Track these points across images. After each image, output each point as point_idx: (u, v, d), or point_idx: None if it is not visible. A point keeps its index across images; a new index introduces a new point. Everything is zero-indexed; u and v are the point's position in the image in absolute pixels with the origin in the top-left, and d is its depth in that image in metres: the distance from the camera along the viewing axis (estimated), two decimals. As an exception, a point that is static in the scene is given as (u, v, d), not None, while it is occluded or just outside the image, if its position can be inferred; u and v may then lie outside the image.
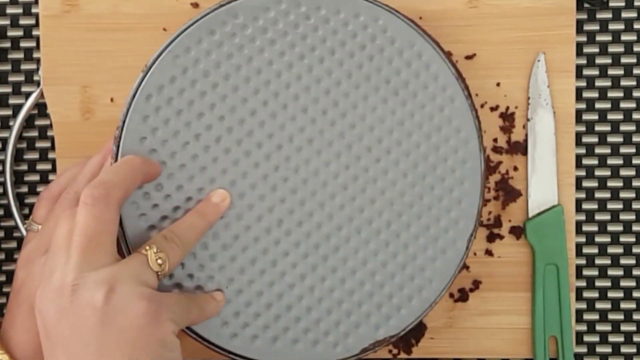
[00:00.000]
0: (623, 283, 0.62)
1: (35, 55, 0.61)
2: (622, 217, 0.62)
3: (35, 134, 0.62)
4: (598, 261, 0.62)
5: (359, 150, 0.56)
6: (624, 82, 0.61)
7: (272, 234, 0.55)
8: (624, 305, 0.62)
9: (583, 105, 0.62)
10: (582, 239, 0.62)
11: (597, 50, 0.61)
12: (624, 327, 0.62)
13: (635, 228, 0.62)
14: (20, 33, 0.62)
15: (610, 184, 0.62)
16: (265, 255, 0.55)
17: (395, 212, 0.56)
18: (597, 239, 0.62)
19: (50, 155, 0.62)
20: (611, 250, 0.62)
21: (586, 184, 0.62)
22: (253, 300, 0.55)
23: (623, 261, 0.62)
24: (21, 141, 0.62)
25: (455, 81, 0.56)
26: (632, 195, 0.62)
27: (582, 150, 0.62)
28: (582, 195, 0.62)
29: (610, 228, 0.62)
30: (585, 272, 0.62)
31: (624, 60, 0.61)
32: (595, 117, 0.62)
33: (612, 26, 0.61)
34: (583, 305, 0.62)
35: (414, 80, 0.56)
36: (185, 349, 0.61)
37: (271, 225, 0.55)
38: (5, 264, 0.62)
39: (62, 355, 0.46)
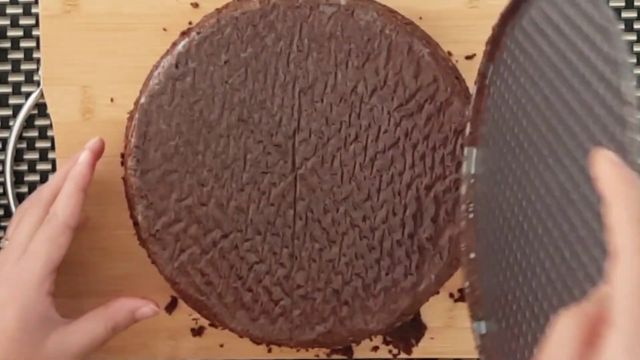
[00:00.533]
0: (623, 283, 0.62)
1: (35, 55, 0.61)
2: (622, 217, 0.61)
3: (35, 134, 0.62)
4: (598, 261, 0.62)
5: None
6: (624, 82, 0.61)
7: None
8: (624, 305, 0.62)
9: (583, 105, 0.61)
10: (582, 239, 0.62)
11: (597, 50, 0.61)
12: (624, 327, 0.62)
13: (635, 228, 0.62)
14: (20, 33, 0.62)
15: (610, 184, 0.61)
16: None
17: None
18: (597, 239, 0.62)
19: (50, 155, 0.62)
20: (611, 250, 0.62)
21: (586, 184, 0.62)
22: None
23: (623, 261, 0.62)
24: (21, 141, 0.62)
25: None
26: (632, 195, 0.61)
27: (582, 150, 0.61)
28: (582, 195, 0.62)
29: (610, 228, 0.62)
30: (585, 272, 0.62)
31: (624, 60, 0.61)
32: (595, 117, 0.61)
33: (612, 26, 0.61)
34: (583, 305, 0.62)
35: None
36: (185, 349, 0.61)
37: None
38: (6, 264, 0.62)
39: None
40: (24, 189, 0.62)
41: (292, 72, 0.56)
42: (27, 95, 0.61)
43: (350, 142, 0.56)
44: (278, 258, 0.56)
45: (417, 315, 0.61)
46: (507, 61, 0.51)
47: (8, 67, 0.62)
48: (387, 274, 0.56)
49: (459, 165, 0.56)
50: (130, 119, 0.58)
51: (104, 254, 0.61)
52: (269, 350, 0.61)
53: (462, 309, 0.61)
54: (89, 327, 0.54)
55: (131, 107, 0.59)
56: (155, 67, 0.57)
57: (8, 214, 0.61)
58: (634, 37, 0.61)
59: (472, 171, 0.54)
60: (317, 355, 0.61)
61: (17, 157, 0.62)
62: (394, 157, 0.56)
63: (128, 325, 0.56)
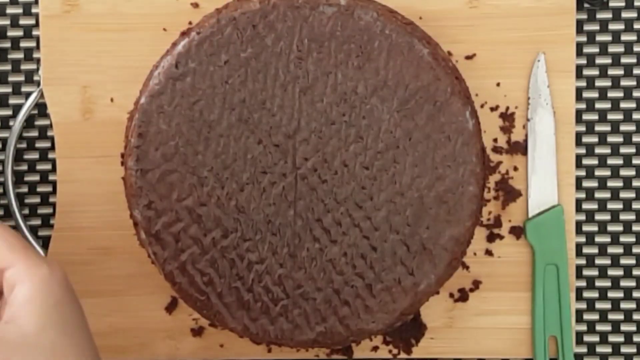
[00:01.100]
0: (623, 283, 0.62)
1: (35, 55, 0.61)
2: (622, 217, 0.62)
3: (35, 134, 0.62)
4: (598, 261, 0.62)
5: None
6: (624, 82, 0.61)
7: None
8: (624, 305, 0.62)
9: (583, 105, 0.62)
10: (582, 239, 0.62)
11: (597, 50, 0.61)
12: (624, 327, 0.62)
13: (635, 228, 0.62)
14: (20, 33, 0.62)
15: (610, 184, 0.62)
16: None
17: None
18: (597, 239, 0.62)
19: (50, 155, 0.62)
20: (611, 250, 0.62)
21: (586, 184, 0.62)
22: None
23: (623, 261, 0.62)
24: (21, 141, 0.62)
25: None
26: (632, 195, 0.62)
27: (582, 150, 0.62)
28: (582, 195, 0.62)
29: (610, 228, 0.62)
30: (585, 272, 0.62)
31: (624, 60, 0.61)
32: (595, 117, 0.62)
33: (612, 26, 0.61)
34: (583, 305, 0.62)
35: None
36: (185, 349, 0.61)
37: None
38: (5, 264, 0.62)
39: None
40: (24, 189, 0.62)
41: (292, 72, 0.56)
42: (27, 95, 0.61)
43: (351, 142, 0.56)
44: (278, 258, 0.56)
45: (417, 315, 0.61)
46: None
47: (8, 67, 0.62)
48: (387, 274, 0.56)
49: (459, 165, 0.56)
50: (130, 119, 0.58)
51: (104, 254, 0.61)
52: (269, 350, 0.61)
53: (462, 309, 0.61)
54: None
55: (131, 107, 0.59)
56: (155, 67, 0.57)
57: (8, 214, 0.61)
58: (634, 37, 0.61)
59: None
60: (317, 355, 0.61)
61: (17, 157, 0.62)
62: (394, 157, 0.56)
63: None
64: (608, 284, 0.62)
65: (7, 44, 0.62)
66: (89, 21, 0.60)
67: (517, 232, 0.61)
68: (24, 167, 0.62)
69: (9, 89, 0.62)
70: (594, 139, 0.62)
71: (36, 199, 0.62)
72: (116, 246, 0.61)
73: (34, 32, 0.61)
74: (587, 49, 0.61)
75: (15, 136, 0.61)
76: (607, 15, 0.61)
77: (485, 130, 0.60)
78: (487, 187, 0.61)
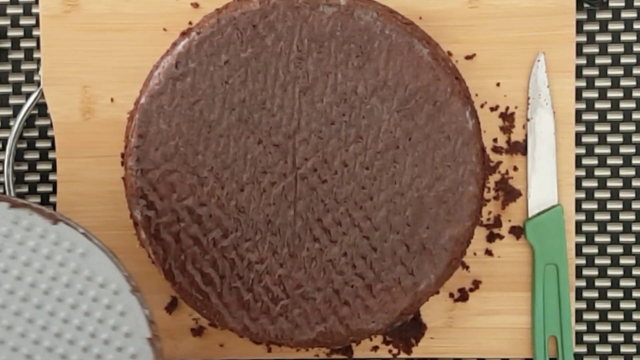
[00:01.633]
0: (623, 283, 0.62)
1: (35, 55, 0.61)
2: (622, 217, 0.62)
3: (35, 134, 0.62)
4: (598, 261, 0.62)
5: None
6: (623, 82, 0.61)
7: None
8: (623, 305, 0.62)
9: (583, 105, 0.62)
10: (582, 239, 0.62)
11: (597, 50, 0.61)
12: (623, 327, 0.62)
13: (635, 228, 0.62)
14: (20, 33, 0.62)
15: (610, 184, 0.62)
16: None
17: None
18: (597, 239, 0.62)
19: (50, 155, 0.62)
20: (611, 250, 0.62)
21: (586, 184, 0.62)
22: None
23: (623, 261, 0.62)
24: (21, 141, 0.62)
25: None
26: (632, 195, 0.62)
27: (582, 150, 0.62)
28: (582, 195, 0.62)
29: (610, 228, 0.62)
30: (585, 272, 0.62)
31: (623, 60, 0.61)
32: (595, 117, 0.62)
33: (612, 26, 0.61)
34: (583, 305, 0.62)
35: None
36: (185, 349, 0.61)
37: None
38: (6, 264, 0.62)
39: None
40: (24, 189, 0.62)
41: (292, 72, 0.56)
42: (27, 95, 0.61)
43: (351, 142, 0.56)
44: (278, 258, 0.56)
45: (417, 315, 0.61)
46: None
47: (8, 67, 0.62)
48: (387, 274, 0.56)
49: (458, 165, 0.56)
50: (131, 119, 0.58)
51: (104, 254, 0.61)
52: (269, 350, 0.61)
53: (462, 309, 0.61)
54: None
55: (131, 107, 0.59)
56: (155, 67, 0.57)
57: (8, 214, 0.61)
58: (633, 37, 0.61)
59: None
60: (317, 355, 0.61)
61: (17, 157, 0.62)
62: (394, 157, 0.56)
63: None
64: (608, 283, 0.62)
65: (8, 44, 0.62)
66: (89, 21, 0.60)
67: (517, 232, 0.61)
68: (24, 167, 0.62)
69: (9, 89, 0.62)
70: (593, 139, 0.62)
71: (36, 199, 0.62)
72: (116, 246, 0.60)
73: (34, 32, 0.61)
74: (587, 49, 0.61)
75: (16, 136, 0.61)
76: (607, 15, 0.61)
77: (485, 130, 0.60)
78: (487, 187, 0.61)
